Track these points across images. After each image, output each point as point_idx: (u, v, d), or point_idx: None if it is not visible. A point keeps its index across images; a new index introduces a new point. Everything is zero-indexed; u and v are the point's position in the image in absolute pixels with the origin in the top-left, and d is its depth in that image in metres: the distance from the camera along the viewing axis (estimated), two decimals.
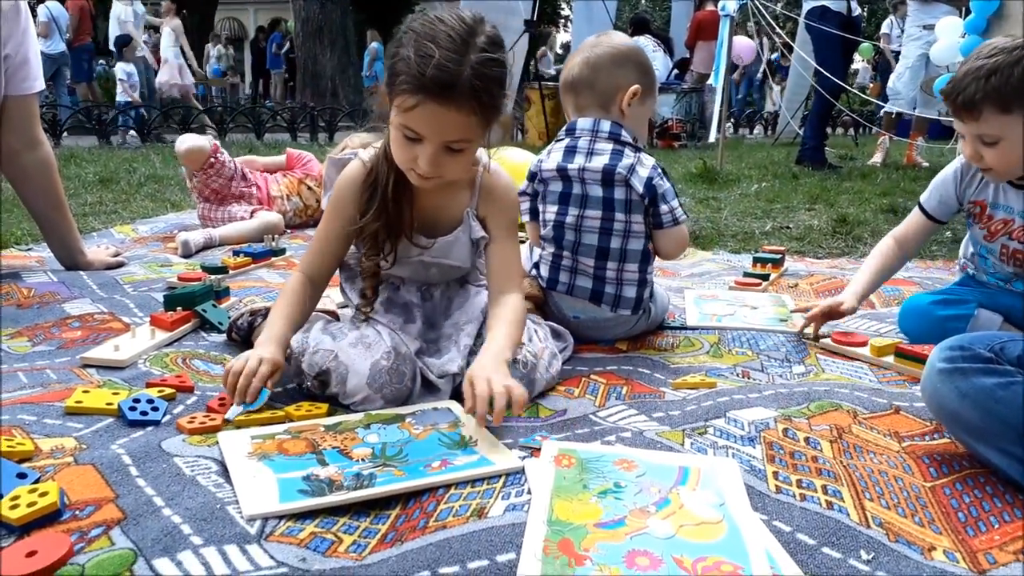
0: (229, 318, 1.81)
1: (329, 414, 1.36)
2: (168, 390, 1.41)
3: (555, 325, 1.76)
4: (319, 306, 1.62)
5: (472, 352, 1.49)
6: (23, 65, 2.25)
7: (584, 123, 1.82)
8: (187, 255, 2.73)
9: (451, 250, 1.54)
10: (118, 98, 9.58)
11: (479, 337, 1.53)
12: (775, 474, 1.17)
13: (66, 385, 1.46)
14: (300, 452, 1.20)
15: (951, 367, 1.17)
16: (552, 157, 1.83)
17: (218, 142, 3.12)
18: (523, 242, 1.84)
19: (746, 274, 2.52)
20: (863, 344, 1.77)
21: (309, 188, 3.38)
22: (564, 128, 1.86)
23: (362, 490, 1.08)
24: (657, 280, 1.95)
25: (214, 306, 1.89)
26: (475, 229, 1.53)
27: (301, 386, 1.43)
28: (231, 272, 2.41)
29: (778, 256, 2.67)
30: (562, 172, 1.81)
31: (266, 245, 2.70)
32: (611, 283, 1.81)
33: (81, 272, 2.36)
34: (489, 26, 1.35)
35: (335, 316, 1.64)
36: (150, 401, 1.34)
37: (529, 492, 1.09)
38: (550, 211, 1.85)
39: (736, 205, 4.30)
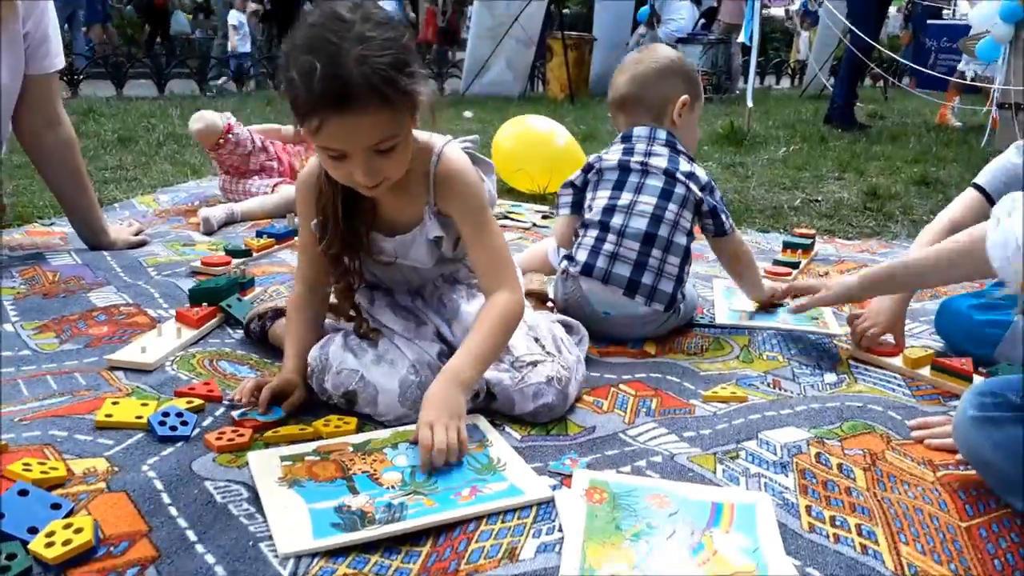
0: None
1: (358, 428, 1.36)
2: (197, 401, 1.41)
3: (565, 318, 1.72)
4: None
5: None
6: (43, 42, 2.21)
7: (640, 131, 1.87)
8: (209, 232, 2.71)
9: (408, 250, 1.48)
10: (229, 47, 9.56)
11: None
12: (808, 508, 1.15)
13: (95, 392, 1.46)
14: (330, 477, 1.19)
15: (983, 415, 1.16)
16: (612, 155, 1.87)
17: (233, 119, 3.04)
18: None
19: (775, 262, 2.47)
20: (895, 354, 1.73)
21: None
22: (620, 136, 1.91)
23: (394, 524, 1.08)
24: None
25: (239, 300, 1.88)
26: (431, 228, 1.45)
27: (328, 401, 1.42)
28: (254, 255, 2.39)
29: (808, 241, 2.62)
30: (623, 165, 1.85)
31: (288, 224, 2.66)
32: (651, 272, 1.78)
33: (104, 252, 2.36)
34: (371, 5, 1.26)
35: None
36: (179, 415, 1.34)
37: (560, 529, 1.08)
38: (601, 196, 1.86)
39: (763, 173, 4.22)
